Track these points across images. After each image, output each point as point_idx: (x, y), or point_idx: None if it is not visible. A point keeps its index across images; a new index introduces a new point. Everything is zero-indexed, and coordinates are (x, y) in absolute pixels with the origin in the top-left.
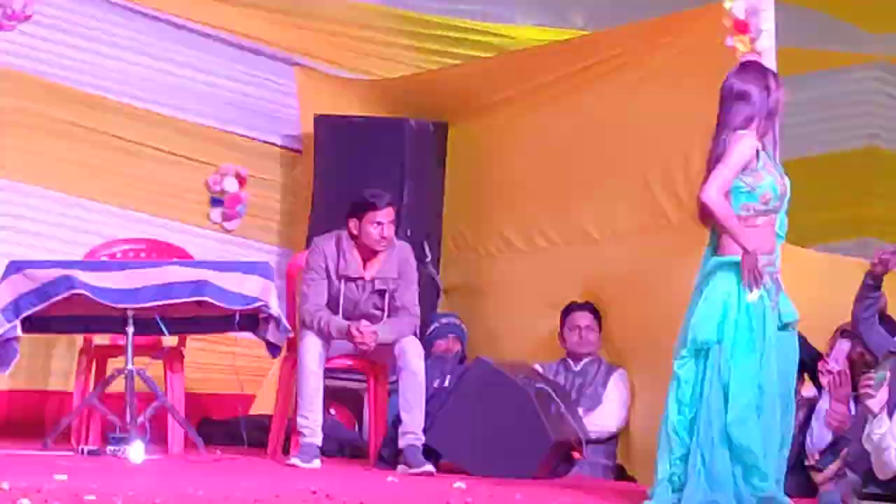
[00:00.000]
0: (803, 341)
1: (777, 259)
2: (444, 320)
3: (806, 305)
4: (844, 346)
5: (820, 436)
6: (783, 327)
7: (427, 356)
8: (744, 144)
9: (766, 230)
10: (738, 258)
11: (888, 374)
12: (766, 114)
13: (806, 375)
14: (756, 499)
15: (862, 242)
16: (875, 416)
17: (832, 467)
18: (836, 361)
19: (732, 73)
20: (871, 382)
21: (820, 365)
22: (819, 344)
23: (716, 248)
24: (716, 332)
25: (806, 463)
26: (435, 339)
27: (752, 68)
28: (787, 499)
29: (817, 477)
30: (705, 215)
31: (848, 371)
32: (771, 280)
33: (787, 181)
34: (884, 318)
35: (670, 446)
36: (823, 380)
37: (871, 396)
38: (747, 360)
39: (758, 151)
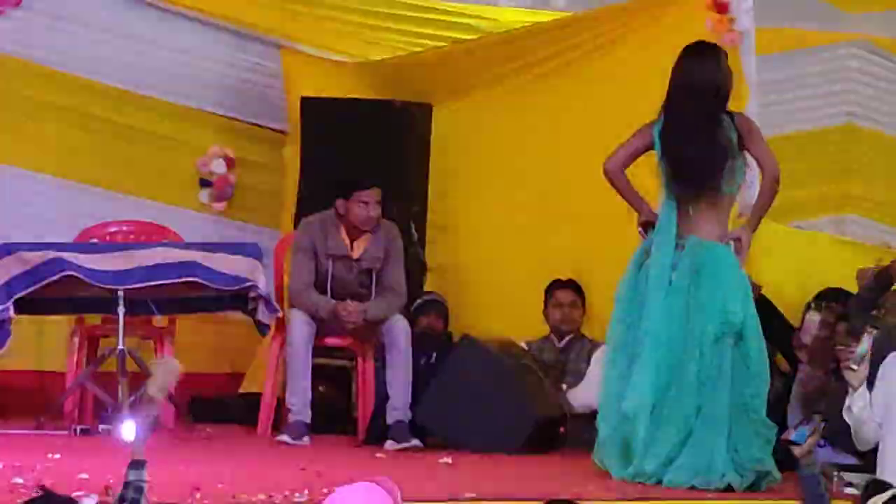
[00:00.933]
0: (775, 314)
1: None
2: (426, 297)
3: (784, 279)
4: (815, 317)
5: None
6: None
7: (437, 333)
8: None
9: None
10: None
11: (869, 349)
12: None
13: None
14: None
15: (840, 219)
16: (855, 390)
17: (810, 440)
18: (808, 333)
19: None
20: (853, 356)
21: (794, 341)
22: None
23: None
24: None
25: (783, 437)
26: (418, 316)
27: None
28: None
29: (795, 451)
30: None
31: (825, 338)
32: None
33: None
34: None
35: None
36: (800, 354)
37: (853, 370)
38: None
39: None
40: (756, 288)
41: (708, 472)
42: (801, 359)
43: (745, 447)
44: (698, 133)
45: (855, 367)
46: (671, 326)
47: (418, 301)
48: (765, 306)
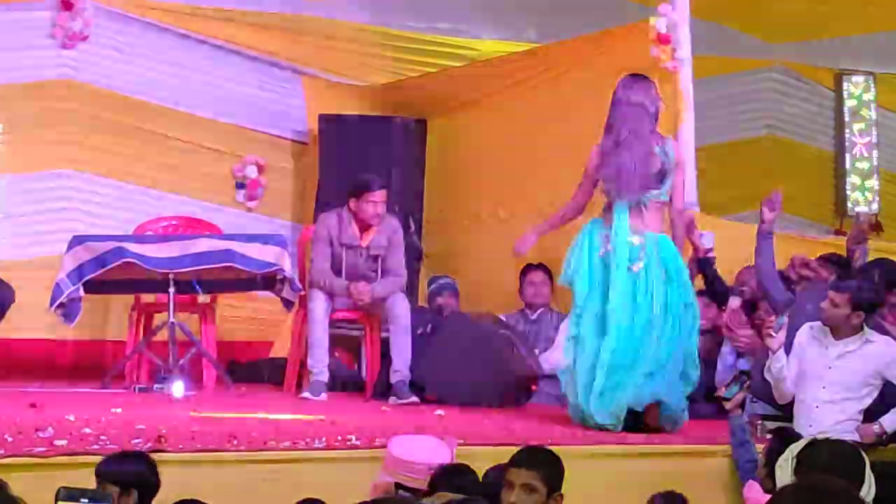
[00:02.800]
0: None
1: None
2: (441, 281)
3: (721, 262)
4: (734, 302)
5: (724, 370)
6: None
7: (431, 309)
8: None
9: None
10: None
11: (786, 319)
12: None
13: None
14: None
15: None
16: (774, 352)
17: (738, 396)
18: (730, 318)
19: (625, 85)
20: (772, 325)
21: (721, 322)
22: None
23: (647, 226)
24: None
25: (715, 394)
26: (436, 296)
27: (640, 79)
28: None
29: (726, 405)
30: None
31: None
32: None
33: None
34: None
35: None
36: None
37: (772, 336)
38: None
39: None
40: (702, 251)
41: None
42: (726, 334)
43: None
44: (634, 146)
45: (774, 334)
46: (635, 304)
47: (434, 285)
48: (707, 265)
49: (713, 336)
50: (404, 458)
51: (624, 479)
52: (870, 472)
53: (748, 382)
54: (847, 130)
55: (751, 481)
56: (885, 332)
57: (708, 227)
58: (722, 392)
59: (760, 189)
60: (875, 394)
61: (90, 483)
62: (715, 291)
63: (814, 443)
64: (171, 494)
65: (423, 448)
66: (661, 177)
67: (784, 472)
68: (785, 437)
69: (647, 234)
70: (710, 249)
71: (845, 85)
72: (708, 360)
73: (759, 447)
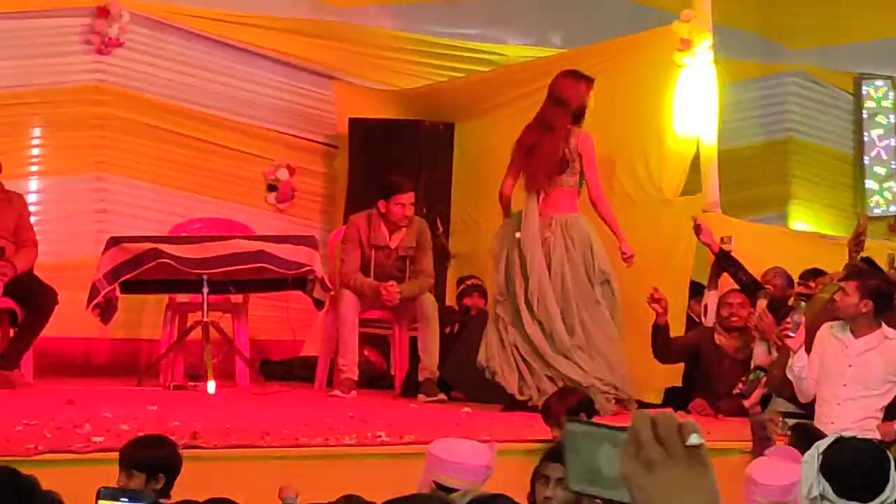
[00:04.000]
0: (738, 267)
1: None
2: (469, 282)
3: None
4: (762, 303)
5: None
6: None
7: (459, 309)
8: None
9: None
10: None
11: (803, 318)
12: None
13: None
14: None
15: (783, 214)
16: (795, 352)
17: (756, 394)
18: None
19: (554, 80)
20: (790, 325)
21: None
22: None
23: (563, 209)
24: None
25: (734, 392)
26: (464, 297)
27: (569, 77)
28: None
29: (745, 402)
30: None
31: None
32: None
33: None
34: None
35: None
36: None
37: (791, 336)
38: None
39: None
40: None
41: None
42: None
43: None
44: (543, 136)
45: (792, 334)
46: (554, 281)
47: (462, 286)
48: (725, 260)
49: (742, 334)
50: (443, 458)
51: None
52: (894, 470)
53: (765, 379)
54: (866, 134)
55: None
56: None
57: (730, 229)
58: (739, 389)
59: (781, 190)
60: (895, 391)
61: None
62: (746, 287)
63: (839, 440)
64: (205, 490)
65: (463, 450)
66: (564, 166)
67: (810, 469)
68: (805, 433)
69: (553, 216)
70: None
71: (864, 89)
72: (735, 360)
73: (780, 444)
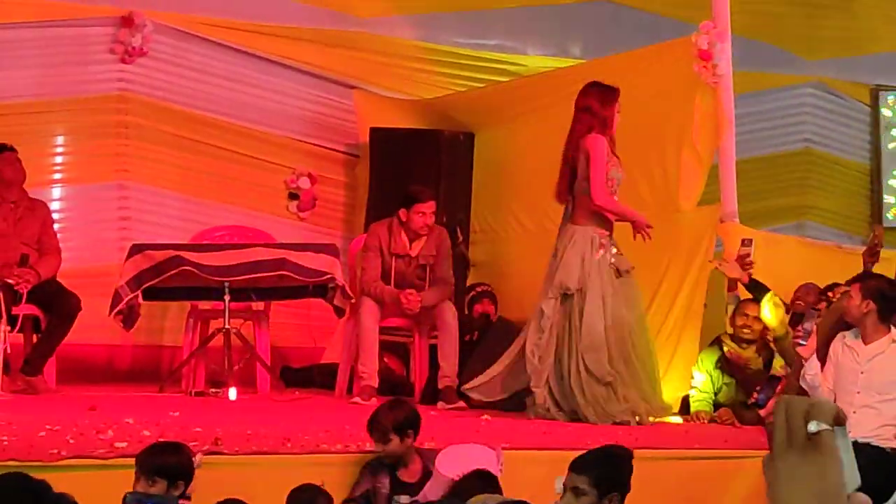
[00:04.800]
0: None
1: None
2: (479, 289)
3: (760, 272)
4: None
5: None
6: (620, 275)
7: (470, 316)
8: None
9: None
10: (589, 227)
11: (814, 326)
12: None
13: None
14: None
15: (800, 224)
16: (806, 360)
17: (771, 403)
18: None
19: (580, 92)
20: (801, 334)
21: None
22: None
23: (572, 220)
24: (577, 281)
25: (749, 401)
26: (474, 304)
27: (595, 87)
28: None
29: (761, 412)
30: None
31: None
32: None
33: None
34: None
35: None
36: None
37: (802, 345)
38: (595, 302)
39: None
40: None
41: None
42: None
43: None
44: (568, 149)
45: (803, 342)
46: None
47: (472, 293)
48: (754, 288)
49: (765, 347)
50: (452, 477)
51: (662, 481)
52: None
53: (779, 388)
54: (883, 144)
55: None
56: None
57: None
58: (755, 398)
59: (798, 201)
60: None
61: None
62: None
63: (854, 446)
64: (226, 495)
65: (471, 463)
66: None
67: None
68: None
69: (568, 226)
70: (746, 257)
71: (881, 100)
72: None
73: None
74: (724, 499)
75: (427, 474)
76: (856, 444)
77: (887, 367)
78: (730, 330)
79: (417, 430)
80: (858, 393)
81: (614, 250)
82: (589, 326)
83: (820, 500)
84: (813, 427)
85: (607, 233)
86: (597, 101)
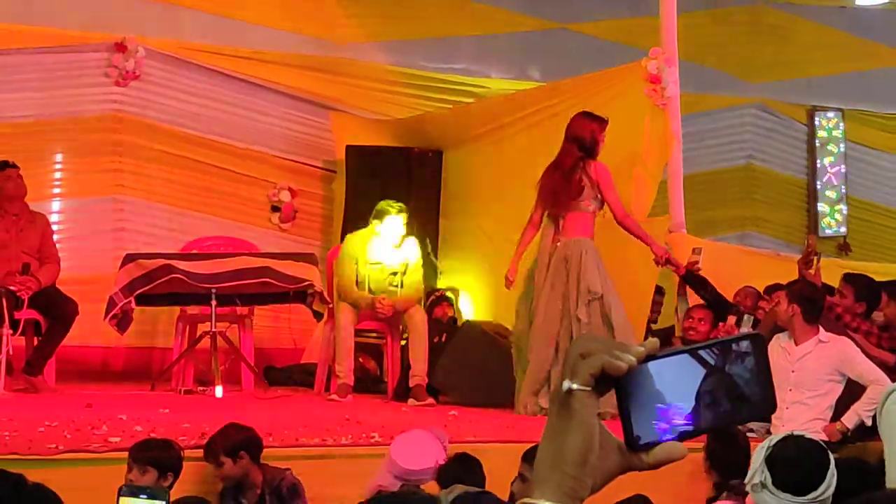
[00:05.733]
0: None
1: None
2: (437, 294)
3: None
4: (731, 320)
5: None
6: None
7: (439, 320)
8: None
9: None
10: (590, 238)
11: (749, 329)
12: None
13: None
14: None
15: (743, 235)
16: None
17: None
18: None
19: (570, 121)
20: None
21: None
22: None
23: (570, 233)
24: (600, 286)
25: None
26: (434, 307)
27: (584, 116)
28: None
29: None
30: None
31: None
32: None
33: None
34: None
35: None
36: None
37: None
38: (617, 302)
39: None
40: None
41: None
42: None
43: None
44: (556, 171)
45: None
46: (543, 300)
47: (432, 297)
48: (689, 279)
49: None
50: (408, 468)
51: None
52: (833, 466)
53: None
54: (818, 161)
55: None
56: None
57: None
58: None
59: (741, 212)
60: (838, 390)
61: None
62: (710, 302)
63: (788, 437)
64: (214, 482)
65: (421, 454)
66: (579, 192)
67: (757, 458)
68: (721, 436)
69: (562, 240)
70: (695, 264)
71: (817, 120)
72: None
73: None
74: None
75: (263, 494)
76: (788, 436)
77: (815, 366)
78: (679, 332)
79: (253, 451)
80: (790, 390)
81: None
82: (619, 325)
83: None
84: (566, 385)
85: None
86: (585, 131)
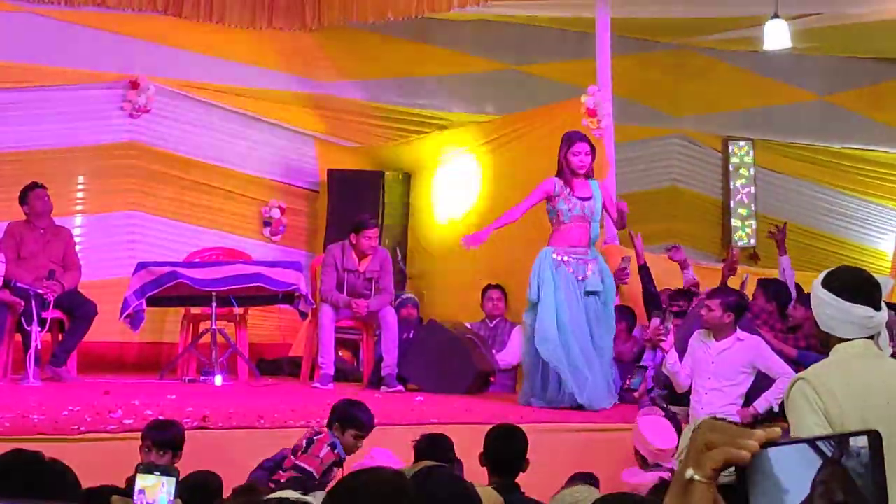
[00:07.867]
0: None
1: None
2: (404, 296)
3: (634, 284)
4: (656, 321)
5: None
6: (589, 294)
7: (406, 319)
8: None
9: (573, 231)
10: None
11: (672, 325)
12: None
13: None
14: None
15: (668, 246)
16: (667, 352)
17: (641, 387)
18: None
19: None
20: (663, 331)
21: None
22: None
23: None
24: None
25: (623, 386)
26: (400, 309)
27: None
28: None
29: (635, 395)
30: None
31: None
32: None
33: (584, 204)
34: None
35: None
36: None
37: (663, 340)
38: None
39: (556, 185)
40: (620, 262)
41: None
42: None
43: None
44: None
45: (664, 338)
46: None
47: (399, 299)
48: (643, 272)
49: (636, 342)
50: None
51: (559, 449)
52: None
53: (646, 375)
54: (732, 183)
55: (630, 469)
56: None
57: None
58: (628, 383)
59: (666, 227)
60: (750, 381)
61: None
62: (648, 297)
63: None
64: (213, 459)
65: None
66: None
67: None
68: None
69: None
70: (624, 270)
71: (730, 148)
72: (625, 362)
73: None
74: (607, 460)
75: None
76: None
77: (733, 359)
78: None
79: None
80: (710, 378)
81: None
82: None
83: None
84: (688, 474)
85: None
86: (560, 155)
